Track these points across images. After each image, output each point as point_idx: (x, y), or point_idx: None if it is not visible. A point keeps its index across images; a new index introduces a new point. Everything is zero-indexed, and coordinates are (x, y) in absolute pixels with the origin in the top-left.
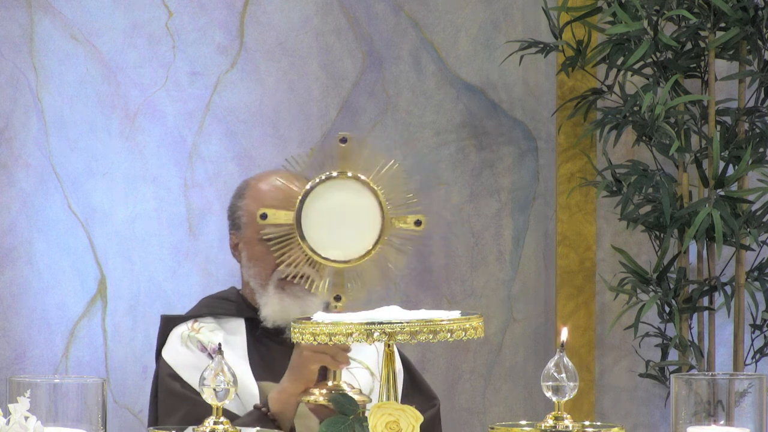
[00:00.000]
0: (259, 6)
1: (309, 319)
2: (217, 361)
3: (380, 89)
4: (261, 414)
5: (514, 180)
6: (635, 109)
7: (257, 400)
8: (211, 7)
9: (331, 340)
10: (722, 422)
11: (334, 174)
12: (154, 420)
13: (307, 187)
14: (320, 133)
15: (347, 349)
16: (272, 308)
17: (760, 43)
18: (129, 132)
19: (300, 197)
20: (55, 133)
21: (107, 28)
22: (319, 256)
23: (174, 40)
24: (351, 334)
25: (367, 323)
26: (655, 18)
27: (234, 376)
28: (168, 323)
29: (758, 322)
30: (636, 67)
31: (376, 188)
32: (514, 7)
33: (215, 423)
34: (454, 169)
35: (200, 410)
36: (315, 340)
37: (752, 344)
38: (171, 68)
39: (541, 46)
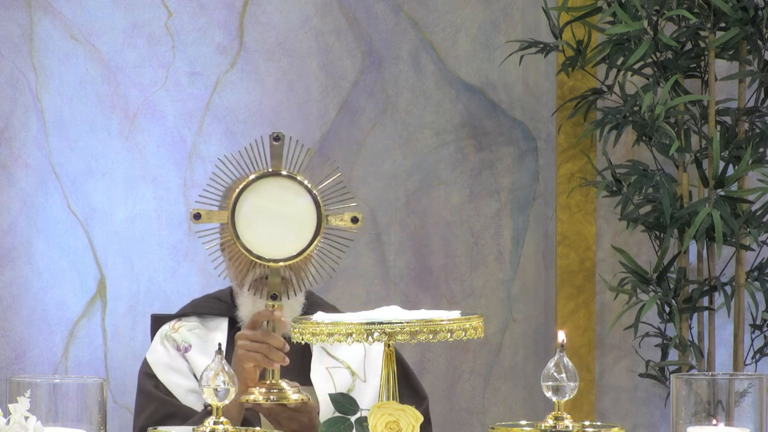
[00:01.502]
0: (258, 6)
1: (309, 319)
2: (217, 361)
3: (380, 89)
4: (207, 413)
5: (513, 180)
6: (635, 109)
7: None
8: (210, 7)
9: (331, 340)
10: (722, 422)
11: (266, 172)
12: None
13: (241, 185)
14: (320, 133)
15: (282, 348)
16: (246, 309)
17: (760, 43)
18: (129, 132)
19: (233, 196)
20: (55, 133)
21: (107, 28)
22: (254, 255)
23: (174, 40)
24: (351, 334)
25: (367, 323)
26: (655, 18)
27: (234, 375)
28: (157, 323)
29: (758, 322)
30: (636, 67)
31: (310, 186)
32: (514, 7)
33: (215, 423)
34: (454, 169)
35: (168, 409)
36: (315, 340)
37: (752, 344)
38: (171, 68)
39: (541, 46)
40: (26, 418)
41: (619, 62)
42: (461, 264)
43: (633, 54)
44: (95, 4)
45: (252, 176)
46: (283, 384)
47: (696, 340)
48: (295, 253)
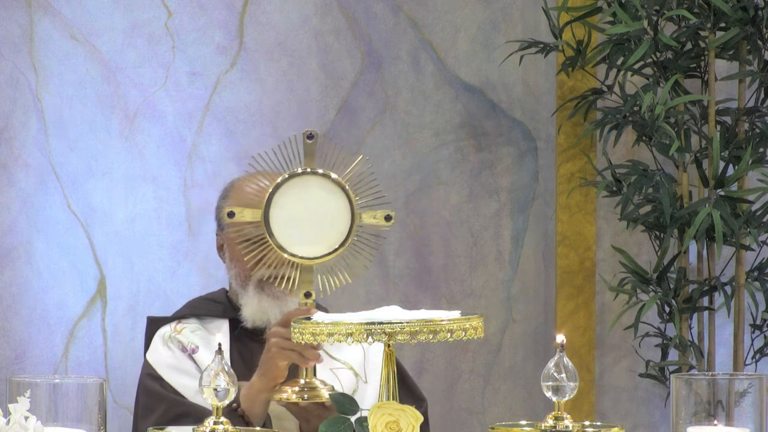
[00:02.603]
0: (258, 6)
1: (309, 319)
2: (217, 361)
3: (379, 89)
4: (231, 410)
5: (513, 180)
6: (635, 109)
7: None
8: (210, 7)
9: (331, 340)
10: (722, 422)
11: (301, 171)
12: (135, 422)
13: (274, 184)
14: (320, 132)
15: (316, 347)
16: (251, 309)
17: (760, 43)
18: (129, 132)
19: (267, 194)
20: (55, 133)
21: (107, 28)
22: (288, 252)
23: (174, 40)
24: (351, 334)
25: (368, 323)
26: (655, 18)
27: (234, 376)
28: (153, 324)
29: (758, 322)
30: (636, 67)
31: (344, 184)
32: (514, 7)
33: (215, 423)
34: (453, 169)
35: (179, 409)
36: (315, 340)
37: (752, 344)
38: (171, 68)
39: (541, 46)
40: (26, 418)
41: (619, 62)
42: (461, 264)
43: (633, 54)
44: (95, 4)
45: (285, 175)
46: (317, 382)
47: (696, 340)
48: (327, 252)
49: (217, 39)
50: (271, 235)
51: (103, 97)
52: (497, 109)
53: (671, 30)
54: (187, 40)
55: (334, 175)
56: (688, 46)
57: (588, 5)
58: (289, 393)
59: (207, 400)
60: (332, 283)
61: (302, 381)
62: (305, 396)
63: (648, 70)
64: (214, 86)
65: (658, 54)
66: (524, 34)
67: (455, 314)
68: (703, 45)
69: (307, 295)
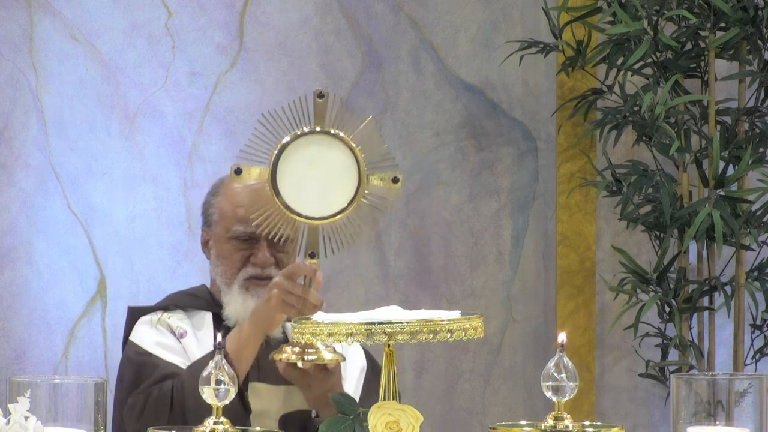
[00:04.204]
0: (258, 6)
1: (309, 318)
2: (216, 361)
3: (379, 89)
4: (216, 349)
5: (513, 180)
6: (635, 109)
7: None
8: (210, 7)
9: (331, 340)
10: (722, 422)
11: (308, 130)
12: (119, 409)
13: (283, 142)
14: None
15: (319, 306)
16: (235, 308)
17: (760, 43)
18: (129, 132)
19: (275, 152)
20: (55, 133)
21: (107, 28)
22: (294, 212)
23: (174, 40)
24: (351, 334)
25: (368, 323)
26: (655, 18)
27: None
28: (135, 314)
29: (758, 322)
30: (636, 67)
31: (352, 144)
32: (514, 7)
33: (215, 423)
34: (454, 169)
35: (172, 369)
36: (315, 340)
37: (752, 344)
38: (171, 68)
39: (541, 46)
40: (26, 418)
41: (619, 62)
42: (461, 264)
43: (633, 54)
44: (95, 4)
45: (295, 133)
46: (318, 344)
47: (696, 340)
48: (334, 212)
49: (217, 39)
50: (277, 194)
51: (103, 97)
52: (497, 109)
53: (671, 30)
54: (187, 40)
55: (342, 135)
56: (688, 46)
57: (588, 5)
58: (289, 353)
59: (207, 399)
60: (337, 244)
61: (302, 342)
62: (307, 357)
63: (648, 70)
64: (214, 86)
65: (658, 54)
66: (524, 34)
67: (455, 314)
68: (703, 45)
69: (312, 255)
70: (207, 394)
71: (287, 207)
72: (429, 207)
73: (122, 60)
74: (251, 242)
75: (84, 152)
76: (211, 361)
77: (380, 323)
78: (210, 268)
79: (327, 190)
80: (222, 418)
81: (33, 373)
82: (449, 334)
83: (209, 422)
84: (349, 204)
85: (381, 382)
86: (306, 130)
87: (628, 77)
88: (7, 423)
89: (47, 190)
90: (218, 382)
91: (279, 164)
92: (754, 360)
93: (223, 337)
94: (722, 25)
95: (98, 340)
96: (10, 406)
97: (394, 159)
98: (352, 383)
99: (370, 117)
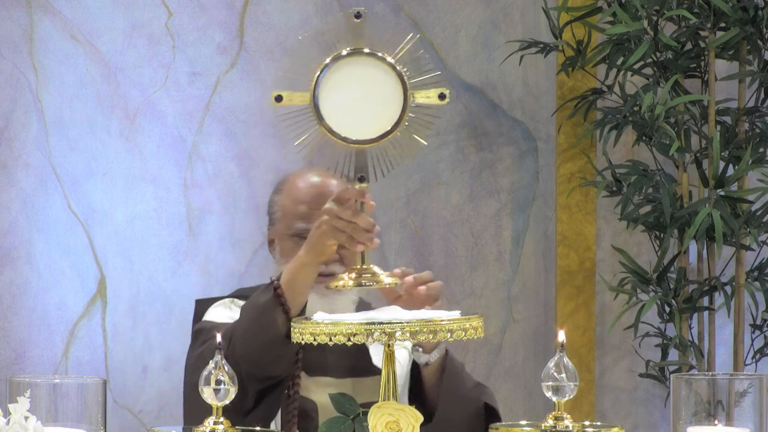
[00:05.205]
0: (258, 6)
1: (309, 318)
2: (217, 361)
3: None
4: (269, 284)
5: (513, 180)
6: (635, 109)
7: None
8: (211, 7)
9: (331, 340)
10: (722, 422)
11: (347, 52)
12: (191, 386)
13: (322, 65)
14: None
15: (370, 229)
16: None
17: (760, 43)
18: (129, 132)
19: (316, 75)
20: (55, 133)
21: (107, 28)
22: (338, 137)
23: (174, 40)
24: (352, 334)
25: (368, 323)
26: (655, 18)
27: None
28: (202, 305)
29: (758, 322)
30: (636, 67)
31: (394, 63)
32: (514, 7)
33: (215, 423)
34: (454, 169)
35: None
36: (315, 340)
37: (752, 344)
38: (171, 68)
39: (541, 46)
40: (26, 418)
41: (619, 62)
42: (461, 264)
43: (633, 54)
44: (95, 4)
45: (338, 53)
46: (375, 268)
47: (696, 340)
48: (381, 134)
49: (218, 39)
50: (320, 119)
51: (103, 97)
52: (497, 109)
53: (671, 30)
54: (187, 40)
55: (382, 55)
56: (688, 46)
57: (588, 5)
58: (345, 280)
59: (207, 399)
60: (386, 165)
61: (358, 267)
62: (364, 282)
63: (648, 70)
64: (214, 86)
65: (658, 54)
66: (524, 34)
67: (455, 314)
68: (703, 45)
69: (362, 179)
70: (207, 394)
71: (331, 131)
72: (429, 207)
73: (122, 60)
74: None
75: (84, 152)
76: (211, 361)
77: (380, 323)
78: (275, 267)
79: (372, 111)
80: (222, 418)
81: (33, 373)
82: (449, 334)
83: (209, 422)
84: (396, 124)
85: (381, 382)
86: (345, 52)
87: (628, 77)
88: (7, 423)
89: (47, 190)
90: (218, 382)
91: (320, 89)
92: (754, 360)
93: (277, 280)
94: (722, 25)
95: (98, 340)
96: (10, 406)
97: (440, 74)
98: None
99: (411, 34)
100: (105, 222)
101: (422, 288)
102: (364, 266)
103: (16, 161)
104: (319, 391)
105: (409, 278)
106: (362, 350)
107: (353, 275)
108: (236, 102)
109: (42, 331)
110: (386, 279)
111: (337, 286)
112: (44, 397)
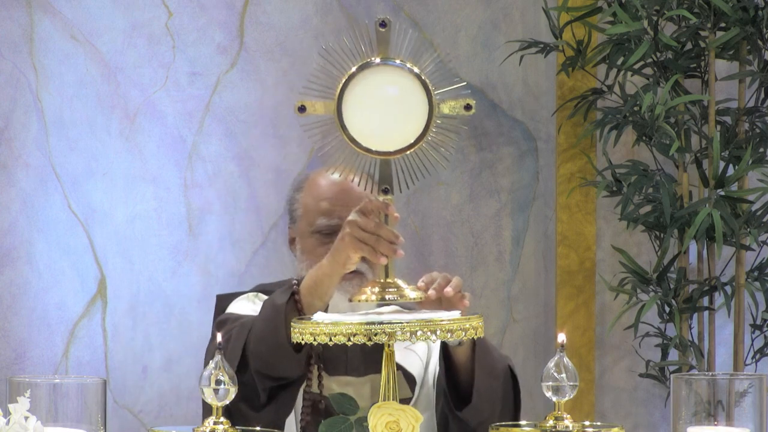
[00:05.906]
0: (258, 6)
1: (309, 319)
2: (217, 361)
3: None
4: (288, 286)
5: (513, 180)
6: (635, 109)
7: None
8: (211, 7)
9: (331, 340)
10: (722, 422)
11: (375, 61)
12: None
13: (348, 74)
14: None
15: (394, 240)
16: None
17: (760, 43)
18: (129, 132)
19: (339, 86)
20: (55, 133)
21: (107, 28)
22: (362, 147)
23: (174, 40)
24: (352, 335)
25: (368, 323)
26: (655, 18)
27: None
28: (223, 300)
29: (758, 322)
30: (636, 67)
31: (420, 73)
32: (514, 7)
33: (215, 423)
34: (454, 169)
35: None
36: (315, 340)
37: (752, 344)
38: (171, 68)
39: (541, 46)
40: (26, 418)
41: (619, 62)
42: (461, 264)
43: (633, 54)
44: (95, 4)
45: (364, 61)
46: (399, 282)
47: (696, 340)
48: (405, 145)
49: (218, 39)
50: (344, 129)
51: (103, 97)
52: (498, 109)
53: (671, 30)
54: (187, 40)
55: (409, 65)
56: (688, 46)
57: (588, 5)
58: (368, 294)
59: (207, 399)
60: (411, 177)
61: (381, 281)
62: (388, 297)
63: (648, 70)
64: (214, 86)
65: (658, 54)
66: (524, 34)
67: (455, 314)
68: (703, 45)
69: (386, 191)
70: (207, 394)
71: (354, 142)
72: (429, 207)
73: (122, 60)
74: (335, 236)
75: (84, 152)
76: (211, 361)
77: (380, 323)
78: (297, 265)
79: (397, 122)
80: (222, 418)
81: (33, 373)
82: (449, 334)
83: (209, 422)
84: (422, 135)
85: (381, 382)
86: (372, 60)
87: (628, 77)
88: (7, 423)
89: (47, 190)
90: (218, 382)
91: (344, 98)
92: (754, 360)
93: (298, 284)
94: (722, 25)
95: (98, 340)
96: (10, 406)
97: (466, 85)
98: (428, 388)
99: (437, 44)
100: (105, 222)
101: (449, 289)
102: (389, 280)
103: (16, 161)
104: (340, 389)
105: (438, 282)
106: (382, 349)
107: (377, 289)
108: (236, 102)
109: (42, 331)
110: (411, 293)
111: (360, 300)
112: (44, 397)
